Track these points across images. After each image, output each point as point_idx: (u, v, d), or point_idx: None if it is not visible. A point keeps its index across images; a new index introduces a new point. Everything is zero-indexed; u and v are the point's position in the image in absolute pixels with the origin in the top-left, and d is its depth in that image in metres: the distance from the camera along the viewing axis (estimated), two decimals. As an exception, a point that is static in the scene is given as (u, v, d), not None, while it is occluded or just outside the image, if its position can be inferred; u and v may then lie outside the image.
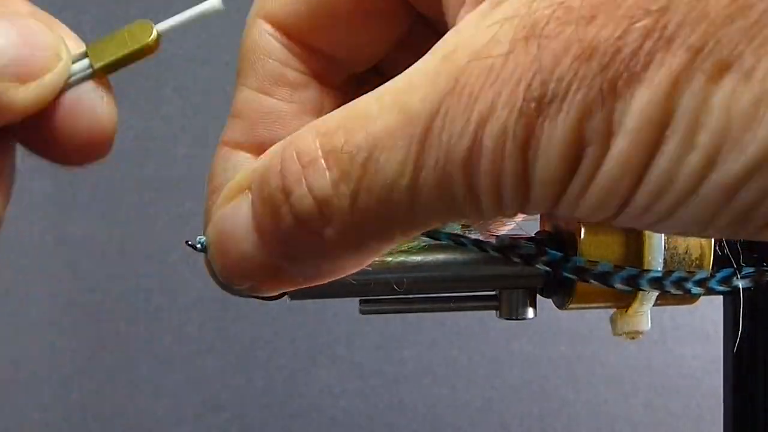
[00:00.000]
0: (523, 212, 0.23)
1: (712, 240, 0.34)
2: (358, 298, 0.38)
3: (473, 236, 0.35)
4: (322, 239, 0.24)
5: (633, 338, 0.38)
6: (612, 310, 0.38)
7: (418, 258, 0.36)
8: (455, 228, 0.35)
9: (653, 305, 0.37)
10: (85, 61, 0.27)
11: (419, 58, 0.23)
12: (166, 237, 1.00)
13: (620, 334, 0.38)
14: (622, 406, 1.04)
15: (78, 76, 0.26)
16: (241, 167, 0.30)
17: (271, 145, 0.27)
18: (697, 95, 0.19)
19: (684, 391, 1.03)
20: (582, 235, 0.34)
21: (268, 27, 0.30)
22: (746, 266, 0.34)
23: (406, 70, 0.23)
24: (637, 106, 0.20)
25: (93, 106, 0.26)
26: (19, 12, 0.25)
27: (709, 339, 1.02)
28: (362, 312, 0.38)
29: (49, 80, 0.25)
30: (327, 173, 0.24)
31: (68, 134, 0.26)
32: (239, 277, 0.27)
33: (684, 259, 0.35)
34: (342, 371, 1.02)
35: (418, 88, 0.22)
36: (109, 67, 0.27)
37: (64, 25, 0.27)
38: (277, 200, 0.25)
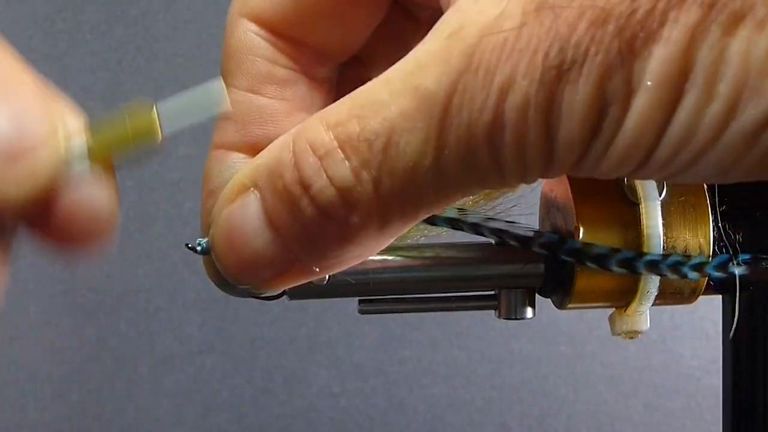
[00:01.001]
0: (545, 176, 0.24)
1: (711, 238, 0.34)
2: (358, 298, 0.38)
3: (470, 221, 0.35)
4: (346, 227, 0.25)
5: (632, 338, 0.38)
6: (611, 310, 0.38)
7: (417, 257, 0.36)
8: (452, 213, 0.35)
9: (652, 305, 0.37)
10: (83, 143, 0.24)
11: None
12: (166, 237, 1.00)
13: (619, 334, 0.38)
14: (622, 406, 1.04)
15: (76, 157, 0.24)
16: (236, 168, 0.29)
17: (264, 144, 0.27)
18: (714, 48, 0.20)
19: (684, 391, 1.03)
20: (581, 234, 0.34)
21: (252, 25, 0.30)
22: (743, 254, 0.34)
23: (409, 55, 0.24)
24: (656, 64, 0.20)
25: (91, 191, 0.24)
26: (20, 86, 0.22)
27: (709, 339, 1.02)
28: (362, 312, 0.38)
29: (43, 161, 0.22)
30: (346, 162, 0.24)
31: (65, 219, 0.24)
32: (250, 275, 0.27)
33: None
34: (342, 371, 1.02)
35: (430, 69, 0.23)
36: (107, 149, 0.24)
37: (64, 101, 0.24)
38: (295, 194, 0.25)
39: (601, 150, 0.22)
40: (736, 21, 0.20)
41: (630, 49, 0.20)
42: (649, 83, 0.21)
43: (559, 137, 0.22)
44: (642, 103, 0.21)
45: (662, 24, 0.20)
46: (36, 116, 0.22)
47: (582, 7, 0.21)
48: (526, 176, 0.23)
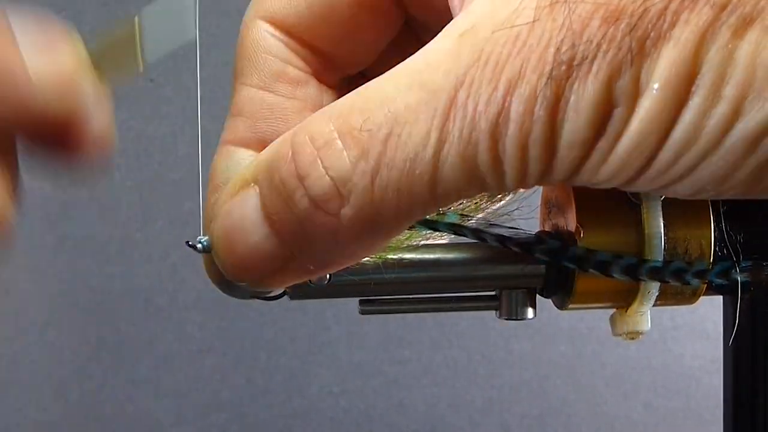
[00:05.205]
0: (544, 182, 0.24)
1: (712, 239, 0.34)
2: (358, 298, 0.38)
3: (472, 226, 0.35)
4: (338, 221, 0.24)
5: (633, 338, 0.38)
6: (612, 311, 0.38)
7: (417, 257, 0.36)
8: (454, 218, 0.35)
9: (653, 305, 0.37)
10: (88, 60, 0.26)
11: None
12: (166, 237, 1.00)
13: (620, 335, 0.38)
14: (622, 406, 1.04)
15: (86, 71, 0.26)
16: (243, 164, 0.30)
17: (273, 141, 0.27)
18: (722, 50, 0.20)
19: (684, 391, 1.03)
20: (582, 235, 0.34)
21: (268, 26, 0.30)
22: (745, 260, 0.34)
23: (417, 53, 0.24)
24: (665, 64, 0.21)
25: (96, 106, 0.26)
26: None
27: (709, 339, 1.01)
28: (362, 312, 0.38)
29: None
30: (345, 153, 0.24)
31: (74, 130, 0.25)
32: (248, 271, 0.27)
33: (683, 259, 0.35)
34: (342, 371, 1.02)
35: (439, 64, 0.23)
36: (104, 67, 0.27)
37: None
38: (290, 186, 0.25)
39: (604, 153, 0.22)
40: (745, 24, 0.20)
41: (640, 48, 0.20)
42: (656, 84, 0.21)
43: (563, 135, 0.22)
44: (648, 105, 0.21)
45: (673, 24, 0.20)
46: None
47: (596, 3, 0.21)
48: (525, 178, 0.23)
